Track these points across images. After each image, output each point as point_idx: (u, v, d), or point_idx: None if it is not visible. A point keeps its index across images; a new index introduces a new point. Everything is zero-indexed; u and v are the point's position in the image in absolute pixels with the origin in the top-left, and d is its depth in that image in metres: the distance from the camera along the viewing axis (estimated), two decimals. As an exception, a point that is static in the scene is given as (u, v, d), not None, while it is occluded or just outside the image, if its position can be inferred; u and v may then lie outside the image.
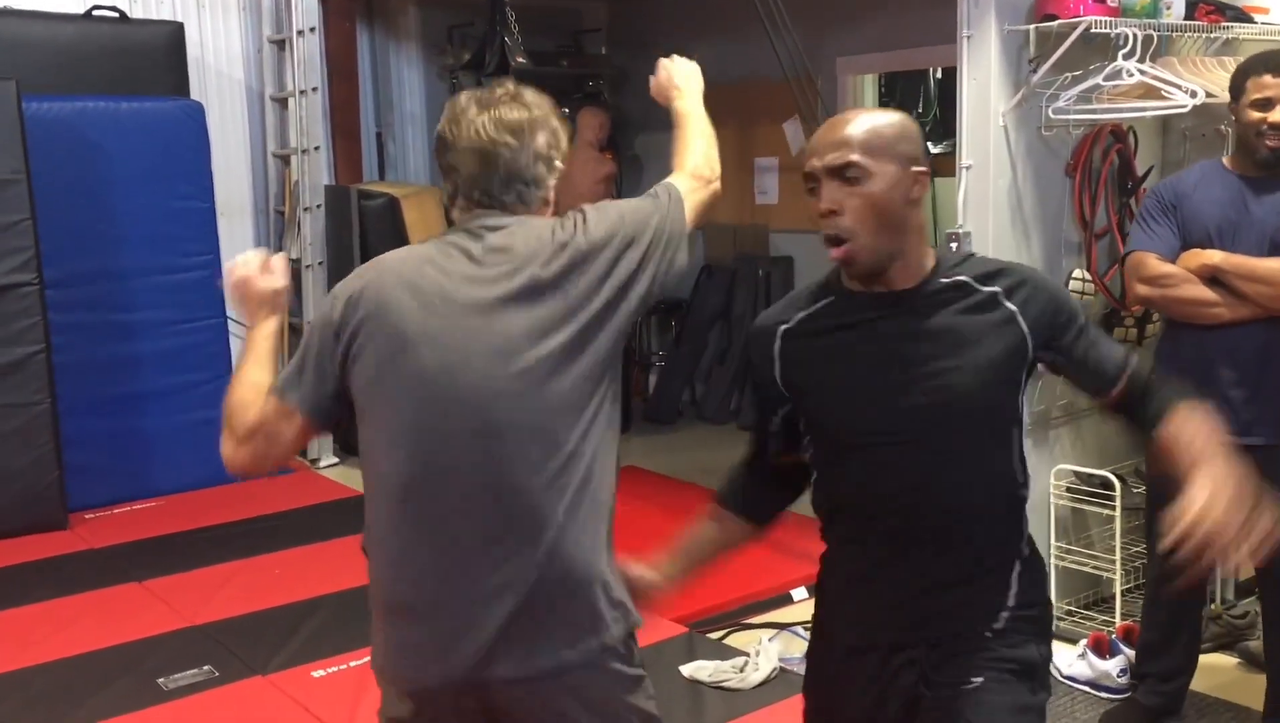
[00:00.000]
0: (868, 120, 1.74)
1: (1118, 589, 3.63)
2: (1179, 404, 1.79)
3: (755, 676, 3.23)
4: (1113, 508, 3.57)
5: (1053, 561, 3.65)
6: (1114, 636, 3.44)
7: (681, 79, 2.34)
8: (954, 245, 3.51)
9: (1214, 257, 2.91)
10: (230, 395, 1.93)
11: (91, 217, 5.05)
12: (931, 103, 7.01)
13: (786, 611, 3.97)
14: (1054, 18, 3.41)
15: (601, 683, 1.80)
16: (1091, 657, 3.37)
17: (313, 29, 5.91)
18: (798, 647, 3.62)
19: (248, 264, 2.03)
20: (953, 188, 3.64)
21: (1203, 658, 3.29)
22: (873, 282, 1.77)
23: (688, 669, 3.28)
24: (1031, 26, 3.48)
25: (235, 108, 6.21)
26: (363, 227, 5.97)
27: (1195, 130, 3.87)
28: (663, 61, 2.37)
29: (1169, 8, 3.54)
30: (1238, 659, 3.51)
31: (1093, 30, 3.37)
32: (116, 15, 5.45)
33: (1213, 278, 2.91)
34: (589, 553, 1.78)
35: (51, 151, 4.79)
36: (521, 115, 1.85)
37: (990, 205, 3.55)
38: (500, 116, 1.84)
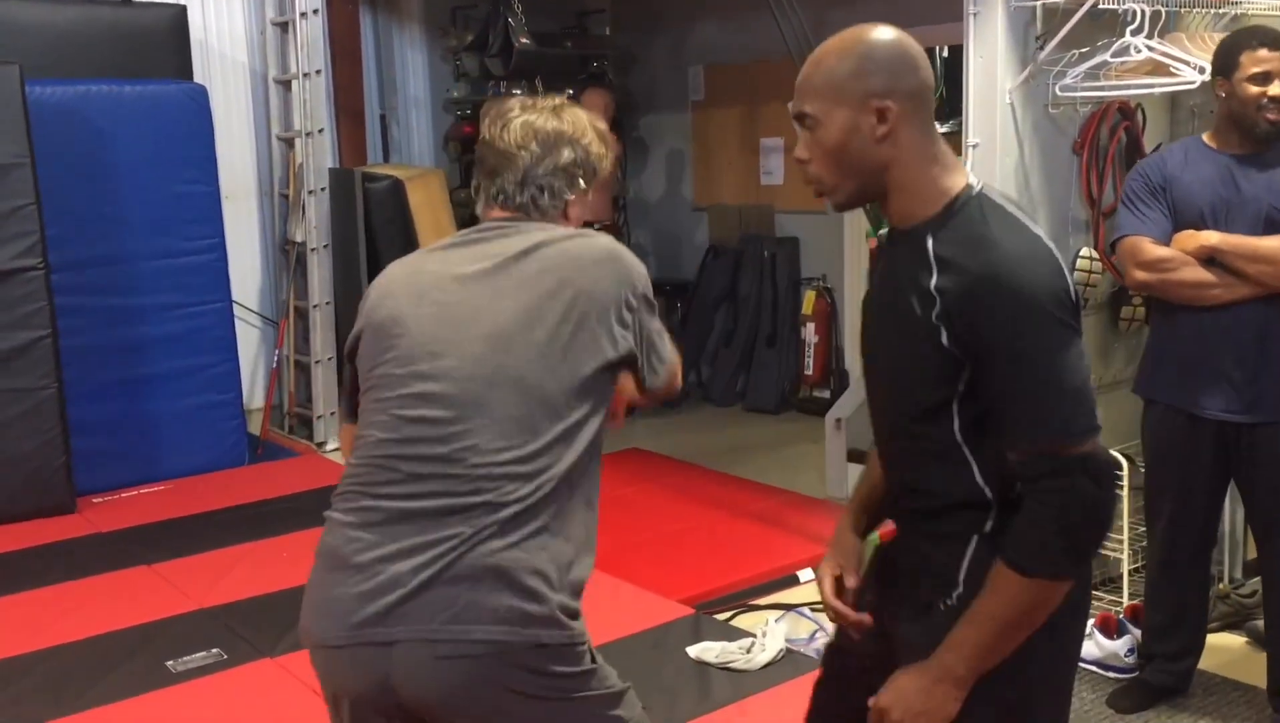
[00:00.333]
0: (823, 60, 1.62)
1: (1125, 569, 3.62)
2: (1005, 564, 1.56)
3: (762, 657, 3.23)
4: (1121, 487, 3.56)
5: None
6: (1121, 615, 3.44)
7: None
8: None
9: (1212, 238, 2.89)
10: None
11: (96, 201, 5.05)
12: (937, 81, 6.96)
13: (793, 592, 3.96)
14: (1061, -6, 3.39)
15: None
16: (1099, 636, 3.36)
17: (316, 11, 5.89)
18: (804, 628, 3.62)
19: None
20: (959, 166, 3.62)
21: (1211, 637, 3.29)
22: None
23: (694, 651, 3.29)
24: (1038, 3, 3.45)
25: (239, 91, 6.20)
26: (368, 209, 5.96)
27: (1204, 107, 3.84)
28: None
29: (1177, -17, 3.52)
30: (1246, 638, 3.51)
31: (1100, 6, 3.34)
32: (119, -2, 5.44)
33: (1208, 259, 2.90)
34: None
35: (55, 136, 4.78)
36: (554, 126, 1.91)
37: (997, 184, 3.50)
38: (533, 123, 1.91)
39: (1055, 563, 1.54)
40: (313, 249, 5.96)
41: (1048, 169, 3.63)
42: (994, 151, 3.51)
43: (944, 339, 1.56)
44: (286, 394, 6.28)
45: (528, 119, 1.91)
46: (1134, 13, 3.36)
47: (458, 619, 1.68)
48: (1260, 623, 3.42)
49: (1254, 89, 2.87)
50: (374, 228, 5.97)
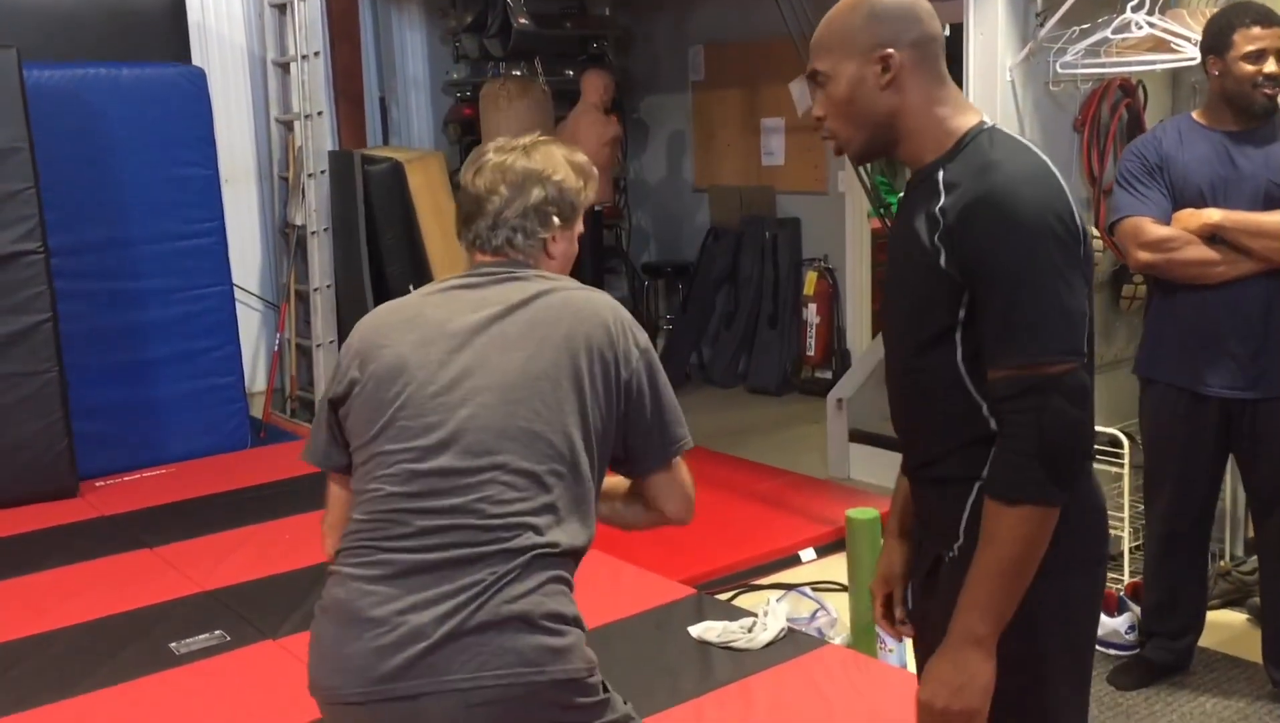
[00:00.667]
0: (832, 19, 1.70)
1: (1126, 547, 3.63)
2: (991, 499, 1.58)
3: (763, 636, 3.23)
4: (1121, 466, 3.56)
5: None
6: (1122, 593, 3.44)
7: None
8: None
9: (1214, 215, 2.88)
10: None
11: (95, 184, 5.04)
12: (938, 60, 6.94)
13: (794, 571, 3.97)
14: (1062, -30, 3.37)
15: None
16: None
17: (313, -8, 5.86)
18: (805, 607, 3.62)
19: None
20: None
21: (1211, 614, 3.30)
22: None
23: (696, 630, 3.29)
24: (1039, -20, 3.44)
25: (237, 73, 6.18)
26: (367, 192, 5.95)
27: (1205, 83, 3.81)
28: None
29: (1178, -41, 3.50)
30: (1246, 616, 3.51)
31: (1101, -17, 3.33)
32: (116, -19, 5.42)
33: (1210, 236, 2.89)
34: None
35: (53, 119, 4.76)
36: (523, 166, 1.90)
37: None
38: (502, 164, 1.90)
39: (1039, 487, 1.54)
40: (313, 232, 5.95)
41: (1048, 147, 3.55)
42: (995, 130, 3.50)
43: (942, 261, 1.58)
44: (288, 378, 6.28)
45: (499, 160, 1.90)
46: (1135, -11, 3.34)
47: (487, 666, 1.67)
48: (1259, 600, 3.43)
49: (1249, 67, 2.86)
50: (374, 210, 5.96)
